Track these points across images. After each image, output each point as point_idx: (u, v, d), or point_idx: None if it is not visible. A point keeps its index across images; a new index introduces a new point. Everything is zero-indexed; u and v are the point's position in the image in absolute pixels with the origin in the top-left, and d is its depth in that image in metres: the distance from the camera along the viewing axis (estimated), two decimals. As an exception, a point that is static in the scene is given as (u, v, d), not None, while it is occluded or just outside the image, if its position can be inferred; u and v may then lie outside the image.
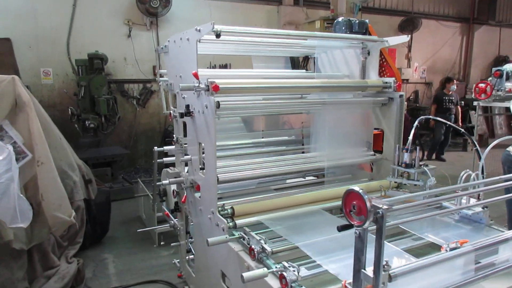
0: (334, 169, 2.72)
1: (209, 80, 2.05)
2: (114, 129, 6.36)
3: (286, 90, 2.43)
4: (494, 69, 5.46)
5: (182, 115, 2.35)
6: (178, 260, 3.14)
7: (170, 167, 2.85)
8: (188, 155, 2.57)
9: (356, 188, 1.22)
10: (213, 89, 2.03)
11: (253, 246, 1.78)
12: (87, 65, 5.74)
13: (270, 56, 3.27)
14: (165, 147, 3.55)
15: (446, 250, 1.42)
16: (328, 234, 1.96)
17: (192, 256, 2.88)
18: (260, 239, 1.80)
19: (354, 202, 1.22)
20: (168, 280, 3.17)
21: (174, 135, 2.74)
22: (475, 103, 5.71)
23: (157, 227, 3.36)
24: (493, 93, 5.23)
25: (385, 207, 1.16)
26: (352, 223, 1.23)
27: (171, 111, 2.75)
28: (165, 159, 3.58)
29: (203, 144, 2.30)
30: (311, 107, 2.65)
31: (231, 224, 2.04)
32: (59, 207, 2.65)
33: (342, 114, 2.70)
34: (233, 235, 2.01)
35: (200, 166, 2.38)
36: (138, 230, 3.24)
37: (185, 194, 2.53)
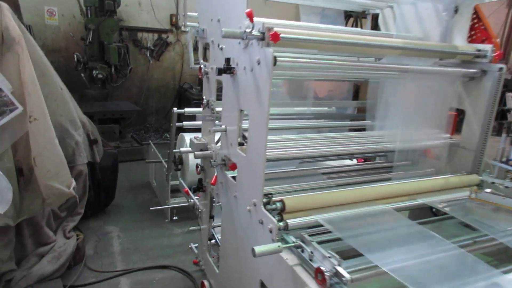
0: (400, 153, 2.16)
1: (265, 25, 1.46)
2: (124, 82, 5.77)
3: (363, 50, 1.83)
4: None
5: (220, 72, 1.77)
6: (196, 245, 2.68)
7: (196, 136, 2.30)
8: (221, 124, 2.03)
9: None
10: (272, 38, 1.45)
11: (321, 267, 1.27)
12: (96, 6, 5.05)
13: (323, 7, 2.64)
14: (187, 109, 3.01)
15: None
16: (416, 251, 1.45)
17: (214, 242, 2.41)
18: (330, 257, 1.28)
19: None
20: (182, 266, 2.72)
21: (203, 97, 2.17)
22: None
23: (171, 205, 2.87)
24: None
25: None
26: None
27: (202, 66, 2.16)
28: (185, 123, 3.05)
29: (245, 112, 1.75)
30: (384, 74, 2.05)
31: (281, 224, 1.52)
32: (55, 175, 2.15)
33: (421, 86, 2.10)
34: (286, 241, 1.50)
35: (238, 140, 1.83)
36: (150, 209, 2.78)
37: (214, 174, 2.00)
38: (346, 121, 2.48)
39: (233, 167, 1.95)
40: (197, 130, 3.25)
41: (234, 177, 1.99)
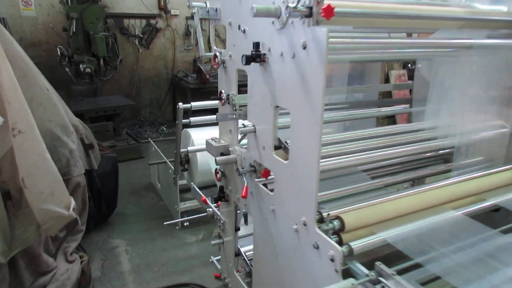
0: (467, 147, 1.84)
1: (311, -3, 1.13)
2: (114, 74, 5.35)
3: (424, 23, 1.48)
4: None
5: (248, 60, 1.42)
6: (217, 259, 2.38)
7: (213, 137, 1.96)
8: (246, 123, 1.70)
9: None
10: (324, 13, 1.11)
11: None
12: (77, -8, 4.60)
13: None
14: (194, 103, 2.67)
15: None
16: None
17: (242, 256, 2.11)
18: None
19: None
20: (202, 283, 2.42)
21: (221, 91, 1.82)
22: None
23: (183, 219, 2.54)
24: None
25: None
26: None
27: (217, 53, 1.80)
28: (193, 119, 2.71)
29: (281, 110, 1.42)
30: (442, 52, 1.71)
31: (345, 250, 1.21)
32: (50, 196, 1.81)
33: (486, 64, 1.78)
34: (354, 273, 1.19)
35: (274, 143, 1.50)
36: (165, 223, 2.43)
37: (244, 184, 1.67)
38: (386, 109, 2.16)
39: (266, 174, 1.63)
40: (200, 125, 2.93)
41: (265, 184, 1.68)
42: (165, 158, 3.29)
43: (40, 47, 5.39)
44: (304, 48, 1.21)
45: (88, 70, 4.49)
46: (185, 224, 3.14)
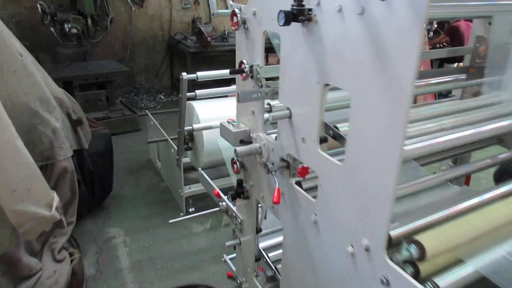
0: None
1: None
2: (104, 36, 4.83)
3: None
4: None
5: (288, 18, 1.01)
6: (231, 257, 2.06)
7: (230, 119, 1.57)
8: (274, 103, 1.33)
9: None
10: None
11: None
12: None
13: None
14: (200, 73, 2.25)
15: None
16: None
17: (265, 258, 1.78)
18: None
19: None
20: (214, 284, 2.11)
21: (243, 61, 1.41)
22: None
23: (189, 216, 2.16)
24: None
25: None
26: None
27: (235, 10, 1.38)
28: (198, 92, 2.31)
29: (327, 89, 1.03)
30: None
31: (430, 292, 0.87)
32: (26, 194, 1.44)
33: None
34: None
35: (319, 135, 1.12)
36: (170, 221, 2.09)
37: (276, 186, 1.30)
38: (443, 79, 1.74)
39: (304, 172, 1.27)
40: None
41: (299, 183, 1.32)
42: (165, 135, 2.91)
43: (21, 3, 4.82)
44: (384, -1, 0.80)
45: (74, 30, 3.99)
46: (190, 210, 2.81)
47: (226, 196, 1.78)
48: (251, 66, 1.37)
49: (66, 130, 2.22)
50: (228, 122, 1.57)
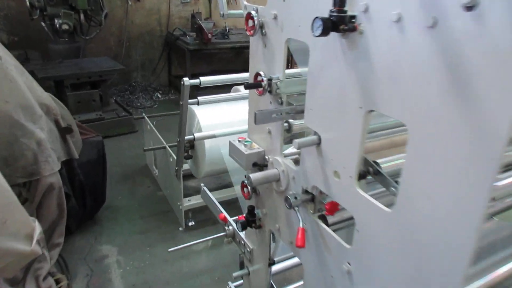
0: None
1: None
2: (99, 32, 4.58)
3: None
4: None
5: (327, 27, 0.80)
6: (237, 285, 1.85)
7: (241, 138, 1.35)
8: (300, 125, 1.12)
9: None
10: None
11: None
12: None
13: None
14: (203, 78, 2.05)
15: None
16: None
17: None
18: None
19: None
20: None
21: (260, 73, 1.19)
22: None
23: (190, 243, 1.94)
24: None
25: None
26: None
27: (251, 12, 1.16)
28: (201, 98, 2.11)
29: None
30: None
31: None
32: (1, 226, 1.22)
33: None
34: None
35: (358, 170, 0.92)
36: (169, 250, 1.87)
37: (300, 226, 1.09)
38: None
39: (333, 209, 1.07)
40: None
41: (323, 217, 1.11)
42: (163, 142, 2.69)
43: (9, -4, 4.57)
44: (471, 7, 0.59)
45: (65, 26, 3.75)
46: (189, 224, 2.60)
47: (235, 224, 1.57)
48: (270, 79, 1.15)
49: (53, 141, 2.00)
50: (239, 141, 1.37)
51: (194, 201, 2.55)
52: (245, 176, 1.41)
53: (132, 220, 2.64)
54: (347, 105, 0.89)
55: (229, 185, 3.07)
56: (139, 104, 5.10)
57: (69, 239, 2.35)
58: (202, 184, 2.03)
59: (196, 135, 2.28)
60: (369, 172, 0.98)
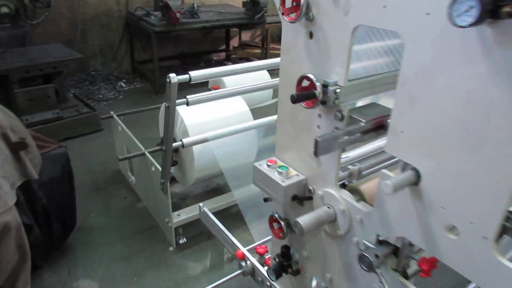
0: None
1: None
2: (48, 14, 3.95)
3: None
4: None
5: (483, 14, 0.45)
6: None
7: (271, 160, 1.00)
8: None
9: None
10: None
11: None
12: None
13: None
14: (193, 73, 1.66)
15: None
16: None
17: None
18: None
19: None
20: None
21: (309, 76, 0.83)
22: None
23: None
24: None
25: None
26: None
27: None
28: (190, 97, 1.73)
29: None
30: None
31: None
32: None
33: None
34: None
35: (497, 229, 0.60)
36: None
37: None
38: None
39: (431, 268, 0.76)
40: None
41: (404, 272, 0.81)
42: (142, 147, 2.27)
43: None
44: None
45: (4, 9, 3.15)
46: (180, 241, 2.24)
47: (266, 269, 1.23)
48: (325, 86, 0.80)
49: (2, 165, 1.56)
50: (269, 165, 1.01)
51: (185, 215, 2.18)
52: (271, 207, 1.07)
53: (111, 243, 2.23)
54: (488, 131, 0.57)
55: (220, 189, 2.72)
56: (101, 96, 4.55)
57: (36, 277, 1.94)
58: (201, 204, 1.67)
59: (185, 141, 1.89)
60: (508, 230, 0.67)
